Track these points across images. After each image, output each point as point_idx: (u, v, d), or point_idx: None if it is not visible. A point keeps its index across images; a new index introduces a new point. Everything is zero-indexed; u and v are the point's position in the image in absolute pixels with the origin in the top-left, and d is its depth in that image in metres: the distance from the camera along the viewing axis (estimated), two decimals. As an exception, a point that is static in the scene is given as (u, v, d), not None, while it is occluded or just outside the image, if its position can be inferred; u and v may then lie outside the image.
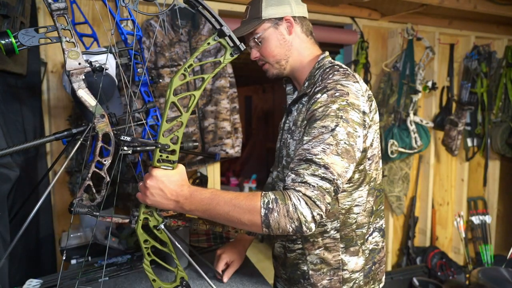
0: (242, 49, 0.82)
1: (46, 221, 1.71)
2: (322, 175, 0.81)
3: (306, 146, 0.86)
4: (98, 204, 0.85)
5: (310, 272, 1.05)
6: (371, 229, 1.07)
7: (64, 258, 0.92)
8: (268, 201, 0.80)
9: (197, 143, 1.34)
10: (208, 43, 0.82)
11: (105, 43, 1.73)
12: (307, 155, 0.84)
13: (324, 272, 1.04)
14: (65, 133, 0.97)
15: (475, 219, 3.10)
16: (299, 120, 1.02)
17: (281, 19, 1.05)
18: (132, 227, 0.91)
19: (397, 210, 2.76)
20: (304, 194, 0.79)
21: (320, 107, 0.89)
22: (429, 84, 2.60)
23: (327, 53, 1.08)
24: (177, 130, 0.84)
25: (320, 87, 0.93)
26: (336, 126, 0.86)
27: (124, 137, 0.81)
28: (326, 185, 0.81)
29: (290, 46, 1.07)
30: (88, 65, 0.82)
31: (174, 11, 1.73)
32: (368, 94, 0.98)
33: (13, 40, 0.78)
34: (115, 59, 1.30)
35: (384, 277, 1.15)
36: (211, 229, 1.03)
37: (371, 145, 1.00)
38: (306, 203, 0.78)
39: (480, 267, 2.58)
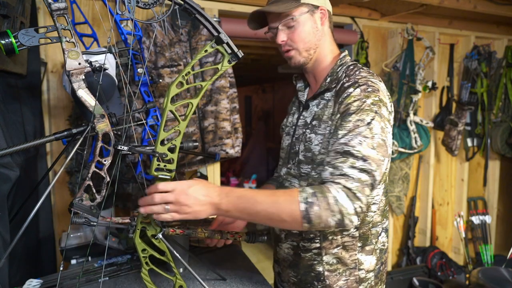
0: (240, 56, 0.82)
1: (46, 221, 1.71)
2: (361, 167, 0.81)
3: (343, 140, 0.86)
4: (98, 204, 0.85)
5: (326, 273, 1.02)
6: (380, 229, 1.06)
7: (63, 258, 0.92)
8: (307, 195, 0.79)
9: (197, 143, 1.34)
10: (206, 51, 0.82)
11: (105, 43, 1.73)
12: (345, 147, 0.84)
13: (340, 272, 1.02)
14: (65, 133, 0.97)
15: (475, 219, 3.10)
16: (325, 114, 1.00)
17: (317, 7, 1.03)
18: (130, 236, 0.90)
19: (397, 210, 2.76)
20: (344, 186, 0.79)
21: (355, 101, 0.90)
22: (429, 84, 2.60)
23: (346, 51, 1.09)
24: (174, 139, 0.84)
25: (350, 82, 0.94)
26: (372, 119, 0.86)
27: (121, 147, 0.81)
28: (365, 177, 0.81)
29: (321, 37, 1.05)
30: (88, 65, 0.82)
31: (174, 11, 1.73)
32: (388, 95, 0.99)
33: (13, 40, 0.78)
34: (115, 59, 1.30)
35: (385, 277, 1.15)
36: (210, 237, 1.03)
37: (390, 144, 1.00)
38: (347, 195, 0.78)
39: (480, 267, 2.58)
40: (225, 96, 1.91)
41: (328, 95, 1.02)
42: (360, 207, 0.80)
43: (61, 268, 0.89)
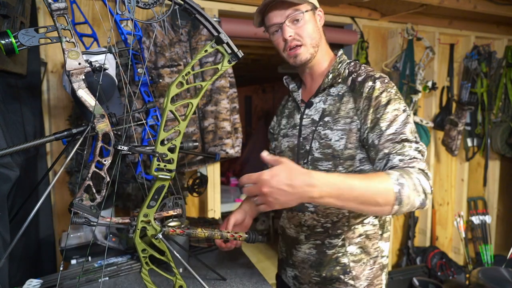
0: (240, 56, 0.82)
1: (46, 221, 1.71)
2: (419, 149, 0.89)
3: (391, 130, 0.91)
4: (98, 204, 0.85)
5: (351, 264, 1.04)
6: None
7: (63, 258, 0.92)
8: (397, 177, 0.79)
9: (197, 143, 1.34)
10: (206, 51, 0.82)
11: (105, 43, 1.73)
12: (401, 136, 0.90)
13: (365, 262, 1.05)
14: (65, 133, 0.97)
15: (475, 219, 3.10)
16: (341, 109, 1.01)
17: (316, 8, 1.07)
18: (130, 236, 0.90)
19: (397, 210, 2.76)
20: (419, 168, 0.84)
21: (382, 92, 0.95)
22: (429, 84, 2.60)
23: (342, 50, 1.13)
24: (174, 139, 0.83)
25: (362, 76, 1.00)
26: (404, 107, 0.95)
27: (121, 147, 0.80)
28: (422, 157, 0.89)
29: (321, 36, 1.08)
30: (88, 65, 0.82)
31: (174, 11, 1.73)
32: None
33: (13, 40, 0.78)
34: (115, 59, 1.30)
35: None
36: (210, 237, 1.03)
37: None
38: (424, 176, 0.83)
39: (480, 267, 2.58)
40: (225, 96, 1.91)
41: (335, 90, 1.05)
42: (431, 186, 0.84)
43: (61, 268, 0.89)
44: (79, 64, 0.80)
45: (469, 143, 3.00)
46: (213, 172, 2.07)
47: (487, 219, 3.11)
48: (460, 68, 2.99)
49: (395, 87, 0.98)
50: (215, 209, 2.11)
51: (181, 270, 1.22)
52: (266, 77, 6.40)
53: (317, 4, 1.07)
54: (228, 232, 1.05)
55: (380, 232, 1.06)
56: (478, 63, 2.85)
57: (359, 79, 1.00)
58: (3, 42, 0.78)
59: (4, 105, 1.23)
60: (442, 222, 3.12)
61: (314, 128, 1.07)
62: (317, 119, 1.06)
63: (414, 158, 0.87)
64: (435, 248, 2.93)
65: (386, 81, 0.98)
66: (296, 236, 1.14)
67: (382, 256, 1.07)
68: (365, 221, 1.05)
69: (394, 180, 0.78)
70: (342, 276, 1.05)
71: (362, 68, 1.04)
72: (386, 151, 0.90)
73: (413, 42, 2.59)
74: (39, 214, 1.65)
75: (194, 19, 0.82)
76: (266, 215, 4.27)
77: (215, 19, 1.89)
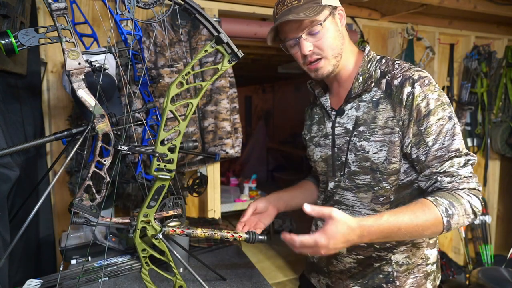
0: (240, 56, 0.82)
1: (46, 221, 1.71)
2: (467, 161, 0.87)
3: (438, 145, 0.87)
4: (98, 204, 0.85)
5: (395, 273, 0.98)
6: None
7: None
8: (446, 207, 0.81)
9: (197, 143, 1.34)
10: (206, 51, 0.82)
11: (105, 43, 1.73)
12: (449, 154, 0.87)
13: (409, 271, 0.99)
14: (65, 133, 0.97)
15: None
16: (378, 119, 0.92)
17: (335, 8, 0.96)
18: (130, 236, 0.90)
19: (397, 210, 2.76)
20: (470, 188, 0.85)
21: (423, 99, 0.87)
22: (429, 84, 2.60)
23: (368, 46, 1.03)
24: (174, 139, 0.83)
25: (399, 78, 0.90)
26: (450, 113, 0.88)
27: (121, 147, 0.80)
28: (471, 168, 0.88)
29: (343, 39, 0.97)
30: (88, 65, 0.82)
31: (174, 11, 1.73)
32: None
33: (13, 40, 0.78)
34: (115, 59, 1.30)
35: None
36: (210, 237, 1.03)
37: None
38: (475, 195, 0.84)
39: (480, 267, 2.58)
40: (225, 96, 1.91)
41: (368, 96, 0.95)
42: (481, 201, 0.86)
43: (61, 268, 0.89)
44: (79, 64, 0.80)
45: (469, 143, 3.00)
46: (213, 172, 2.07)
47: (487, 219, 3.11)
48: (460, 68, 2.99)
49: (437, 88, 0.89)
50: (215, 209, 2.11)
51: (181, 270, 1.23)
52: (266, 77, 6.40)
53: (336, 3, 0.96)
54: (228, 232, 1.05)
55: (427, 240, 1.01)
56: (478, 63, 2.85)
57: (395, 82, 0.90)
58: (3, 42, 0.78)
59: (4, 105, 1.23)
60: (442, 222, 3.12)
61: (348, 138, 0.98)
62: (351, 128, 0.98)
63: (464, 177, 0.86)
64: (435, 248, 2.93)
65: (426, 82, 0.88)
66: None
67: (427, 264, 1.01)
68: None
69: (443, 212, 0.81)
70: (384, 285, 0.99)
71: (396, 66, 0.93)
72: (434, 170, 0.88)
73: (413, 42, 2.59)
74: (39, 214, 1.65)
75: (194, 19, 0.82)
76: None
77: (215, 19, 1.89)
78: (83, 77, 0.81)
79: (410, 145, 0.90)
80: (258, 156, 6.31)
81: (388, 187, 0.95)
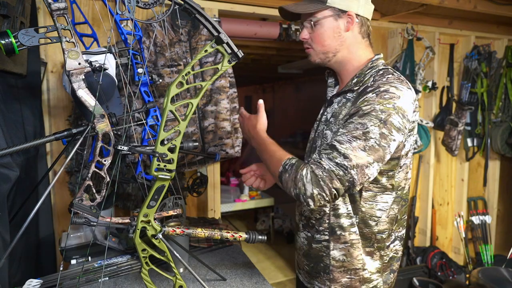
0: (240, 56, 0.82)
1: (46, 221, 1.71)
2: (338, 161, 0.86)
3: (338, 137, 0.91)
4: (98, 204, 0.85)
5: (331, 267, 1.06)
6: (393, 237, 1.08)
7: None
8: (288, 163, 0.93)
9: (197, 143, 1.34)
10: (206, 51, 0.82)
11: (105, 43, 1.73)
12: (333, 142, 0.90)
13: (345, 270, 1.05)
14: (65, 133, 0.97)
15: (475, 219, 3.10)
16: (341, 113, 1.01)
17: (344, 12, 1.00)
18: (130, 236, 0.90)
19: (397, 210, 2.76)
20: (313, 171, 0.86)
21: (366, 105, 0.91)
22: (429, 84, 2.60)
23: (381, 55, 1.07)
24: (174, 139, 0.83)
25: (373, 87, 0.94)
26: (372, 125, 0.88)
27: (121, 147, 0.81)
28: (338, 171, 0.85)
29: (343, 43, 1.04)
30: (88, 65, 0.82)
31: (174, 11, 1.73)
32: (416, 104, 0.98)
33: (13, 40, 0.78)
34: (115, 59, 1.30)
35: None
36: (210, 237, 1.03)
37: (406, 154, 1.00)
38: (311, 179, 0.86)
39: (480, 267, 2.58)
40: (225, 96, 1.91)
41: (350, 95, 1.02)
42: (320, 194, 0.85)
43: (61, 268, 0.89)
44: (79, 64, 0.80)
45: (469, 143, 3.00)
46: (213, 172, 2.07)
47: (487, 219, 3.11)
48: (460, 68, 2.99)
49: (390, 105, 0.89)
50: (215, 209, 2.11)
51: (181, 270, 1.23)
52: (266, 77, 6.40)
53: (347, 8, 1.00)
54: (228, 232, 1.05)
55: (361, 244, 1.03)
56: (478, 63, 2.85)
57: (369, 89, 0.95)
58: (3, 42, 0.78)
59: (4, 105, 1.23)
60: (442, 222, 3.12)
61: (323, 126, 1.09)
62: (328, 118, 1.08)
63: (319, 162, 0.87)
64: (435, 248, 2.93)
65: (385, 96, 0.89)
66: (298, 223, 1.19)
67: (364, 269, 1.04)
68: (352, 229, 1.03)
69: (284, 164, 0.94)
70: (322, 274, 1.09)
71: (384, 78, 0.95)
72: (320, 148, 0.94)
73: (413, 42, 2.59)
74: (39, 214, 1.65)
75: (194, 19, 0.82)
76: (266, 215, 4.27)
77: (215, 19, 1.89)
78: (83, 77, 0.81)
79: (334, 130, 1.01)
80: (258, 156, 6.27)
81: None
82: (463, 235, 2.95)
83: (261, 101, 1.11)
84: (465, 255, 3.02)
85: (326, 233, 1.06)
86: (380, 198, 1.01)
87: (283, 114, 7.05)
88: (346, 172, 0.84)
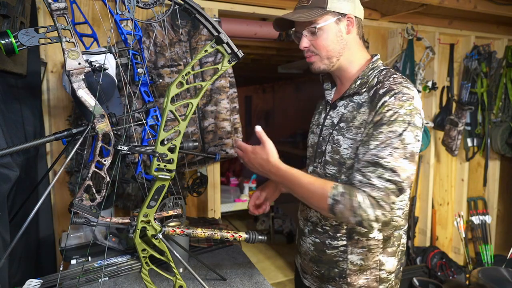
0: (240, 56, 0.82)
1: (46, 221, 1.71)
2: (388, 177, 0.87)
3: (374, 151, 0.90)
4: (98, 204, 0.85)
5: (348, 271, 1.06)
6: (402, 232, 1.10)
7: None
8: (336, 194, 0.90)
9: (197, 143, 1.34)
10: (206, 51, 0.82)
11: (105, 43, 1.73)
12: (375, 159, 0.89)
13: (361, 272, 1.06)
14: (65, 133, 0.97)
15: (475, 219, 3.10)
16: (356, 119, 0.99)
17: (344, 15, 1.01)
18: (130, 236, 0.90)
19: (397, 210, 2.76)
20: (370, 195, 0.87)
21: (388, 110, 0.91)
22: (429, 84, 2.60)
23: (379, 56, 1.09)
24: (174, 139, 0.83)
25: (385, 89, 0.95)
26: (404, 131, 0.89)
27: (121, 147, 0.81)
28: (391, 186, 0.87)
29: (345, 46, 1.04)
30: (88, 65, 0.82)
31: (174, 11, 1.73)
32: (420, 100, 1.00)
33: (13, 40, 0.78)
34: (115, 59, 1.30)
35: None
36: (210, 237, 1.03)
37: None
38: (371, 203, 0.87)
39: (480, 267, 2.58)
40: (225, 96, 1.91)
41: (358, 98, 1.02)
42: (383, 213, 0.87)
43: (61, 268, 0.89)
44: (79, 64, 0.80)
45: (469, 143, 3.00)
46: (213, 172, 2.07)
47: (487, 219, 3.11)
48: (460, 68, 2.99)
49: (411, 106, 0.91)
50: (215, 209, 2.11)
51: (181, 270, 1.23)
52: (266, 77, 6.40)
53: (346, 11, 1.01)
54: (228, 232, 1.06)
55: (381, 246, 1.06)
56: (478, 63, 2.85)
57: (381, 91, 0.95)
58: (3, 42, 0.78)
59: (4, 105, 1.23)
60: (442, 222, 3.12)
61: (331, 130, 1.07)
62: (335, 122, 1.07)
63: (372, 184, 0.88)
64: (435, 248, 2.93)
65: (403, 98, 0.91)
66: (303, 228, 1.19)
67: (381, 269, 1.06)
68: (371, 235, 1.05)
69: (332, 195, 0.90)
70: (338, 279, 1.08)
71: (391, 78, 0.97)
72: (358, 166, 0.93)
73: (413, 42, 2.59)
74: (39, 214, 1.65)
75: (194, 19, 0.82)
76: (266, 215, 4.27)
77: (215, 19, 1.89)
78: (83, 77, 0.81)
79: (359, 143, 0.97)
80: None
81: (345, 180, 1.02)
82: (463, 235, 2.95)
83: (258, 128, 1.00)
84: (465, 255, 3.02)
85: (344, 238, 1.06)
86: (401, 197, 1.01)
87: (283, 114, 7.05)
88: (398, 184, 0.88)
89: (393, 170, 0.87)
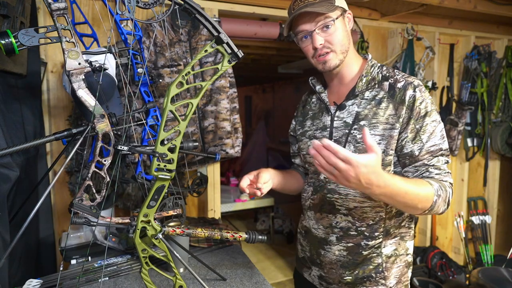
0: (240, 56, 0.82)
1: (46, 221, 1.71)
2: (446, 159, 1.01)
3: (431, 142, 1.00)
4: (98, 204, 0.85)
5: (384, 264, 1.07)
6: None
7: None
8: (437, 189, 0.93)
9: (197, 143, 1.34)
10: (206, 51, 0.82)
11: (105, 43, 1.73)
12: (440, 150, 1.00)
13: (394, 261, 1.09)
14: (65, 133, 0.97)
15: (475, 219, 3.10)
16: (379, 115, 1.02)
17: (345, 10, 1.06)
18: (130, 236, 0.90)
19: (397, 210, 2.76)
20: (450, 183, 0.99)
21: (421, 102, 1.00)
22: (429, 84, 2.60)
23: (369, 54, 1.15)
24: (174, 139, 0.83)
25: (401, 82, 1.02)
26: (438, 115, 1.02)
27: (121, 147, 0.81)
28: (447, 165, 1.02)
29: (350, 39, 1.08)
30: (88, 65, 0.82)
31: (174, 11, 1.73)
32: None
33: (13, 40, 0.78)
34: (115, 59, 1.30)
35: None
36: (210, 237, 1.03)
37: None
38: (451, 189, 0.98)
39: (480, 267, 2.58)
40: (225, 96, 1.91)
41: (369, 94, 1.05)
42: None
43: (61, 268, 0.89)
44: (79, 64, 0.80)
45: (469, 143, 3.00)
46: (213, 172, 2.07)
47: (487, 219, 3.11)
48: (460, 68, 2.99)
49: (429, 96, 1.02)
50: (215, 209, 2.11)
51: (181, 270, 1.23)
52: (266, 77, 6.39)
53: (346, 7, 1.06)
54: (228, 232, 1.05)
55: (409, 231, 1.12)
56: (478, 63, 2.85)
57: (399, 85, 1.02)
58: (3, 42, 0.78)
59: (4, 105, 1.23)
60: (442, 222, 3.12)
61: (347, 131, 1.06)
62: (351, 122, 1.06)
63: (447, 172, 0.99)
64: (435, 248, 2.93)
65: (423, 89, 1.01)
66: (325, 237, 1.13)
67: (407, 254, 1.11)
68: (402, 223, 1.09)
69: (435, 191, 0.92)
70: (373, 275, 1.07)
71: (396, 72, 1.05)
72: (426, 162, 0.99)
73: (413, 42, 2.59)
74: (39, 214, 1.65)
75: (194, 19, 0.82)
76: (266, 215, 4.27)
77: (215, 19, 1.89)
78: (83, 77, 0.81)
79: (405, 139, 1.01)
80: (258, 156, 6.30)
81: None
82: (463, 235, 2.95)
83: (366, 130, 0.79)
84: (465, 255, 3.02)
85: (381, 236, 1.07)
86: None
87: (283, 114, 7.05)
88: (449, 161, 1.03)
89: (447, 155, 1.01)
